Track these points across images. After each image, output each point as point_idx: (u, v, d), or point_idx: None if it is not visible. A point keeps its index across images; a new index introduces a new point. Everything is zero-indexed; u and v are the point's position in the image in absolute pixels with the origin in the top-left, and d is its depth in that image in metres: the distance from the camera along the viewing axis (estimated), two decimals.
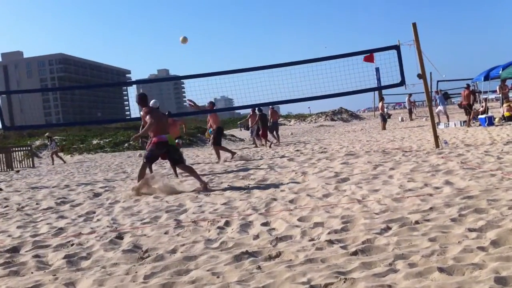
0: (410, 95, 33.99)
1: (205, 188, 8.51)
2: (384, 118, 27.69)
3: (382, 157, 11.08)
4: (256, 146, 21.76)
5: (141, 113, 9.48)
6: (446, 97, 26.34)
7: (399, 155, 11.10)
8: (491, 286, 3.01)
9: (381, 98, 35.68)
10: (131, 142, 27.70)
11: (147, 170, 9.39)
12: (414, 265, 3.60)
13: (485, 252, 3.71)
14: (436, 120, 25.96)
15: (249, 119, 23.22)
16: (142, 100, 9.40)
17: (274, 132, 22.78)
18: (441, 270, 3.39)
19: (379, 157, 11.00)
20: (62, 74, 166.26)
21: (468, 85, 23.25)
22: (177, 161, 9.35)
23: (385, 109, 31.18)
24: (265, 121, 21.23)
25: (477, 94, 24.05)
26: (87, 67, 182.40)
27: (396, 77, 12.70)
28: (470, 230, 4.32)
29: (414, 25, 12.06)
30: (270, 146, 20.37)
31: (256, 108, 20.94)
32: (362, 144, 16.59)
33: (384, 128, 26.59)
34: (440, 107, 25.72)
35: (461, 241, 4.05)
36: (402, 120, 35.27)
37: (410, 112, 35.81)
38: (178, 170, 10.67)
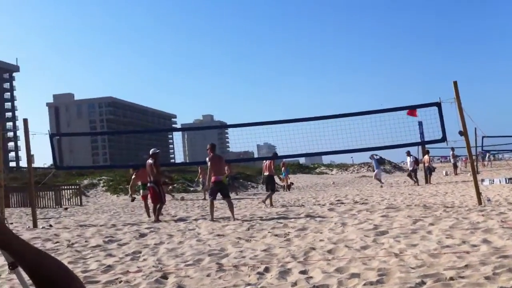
0: (453, 149, 33.67)
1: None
2: (430, 171, 27.26)
3: (423, 211, 11.09)
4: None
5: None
6: (380, 162, 26.55)
7: (440, 211, 11.09)
8: None
9: (427, 152, 35.35)
10: (175, 185, 28.26)
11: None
12: None
13: None
14: (378, 184, 25.91)
15: (201, 173, 24.35)
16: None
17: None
18: None
19: (420, 212, 11.02)
20: (110, 117, 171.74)
21: None
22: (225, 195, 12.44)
23: (431, 162, 30.72)
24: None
25: None
26: (135, 111, 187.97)
27: (437, 133, 12.82)
28: None
29: (455, 83, 12.19)
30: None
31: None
32: (404, 197, 16.52)
33: (428, 181, 26.15)
34: (376, 171, 26.14)
35: None
36: (447, 174, 34.74)
37: (455, 167, 35.33)
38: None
